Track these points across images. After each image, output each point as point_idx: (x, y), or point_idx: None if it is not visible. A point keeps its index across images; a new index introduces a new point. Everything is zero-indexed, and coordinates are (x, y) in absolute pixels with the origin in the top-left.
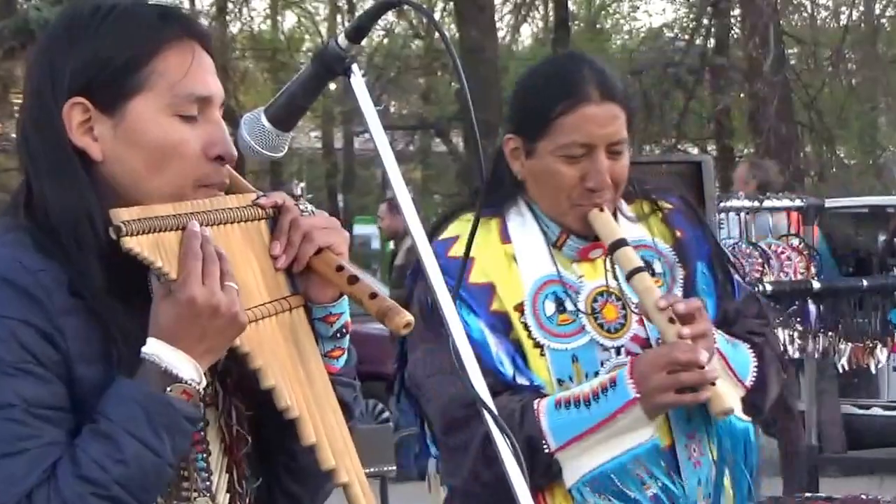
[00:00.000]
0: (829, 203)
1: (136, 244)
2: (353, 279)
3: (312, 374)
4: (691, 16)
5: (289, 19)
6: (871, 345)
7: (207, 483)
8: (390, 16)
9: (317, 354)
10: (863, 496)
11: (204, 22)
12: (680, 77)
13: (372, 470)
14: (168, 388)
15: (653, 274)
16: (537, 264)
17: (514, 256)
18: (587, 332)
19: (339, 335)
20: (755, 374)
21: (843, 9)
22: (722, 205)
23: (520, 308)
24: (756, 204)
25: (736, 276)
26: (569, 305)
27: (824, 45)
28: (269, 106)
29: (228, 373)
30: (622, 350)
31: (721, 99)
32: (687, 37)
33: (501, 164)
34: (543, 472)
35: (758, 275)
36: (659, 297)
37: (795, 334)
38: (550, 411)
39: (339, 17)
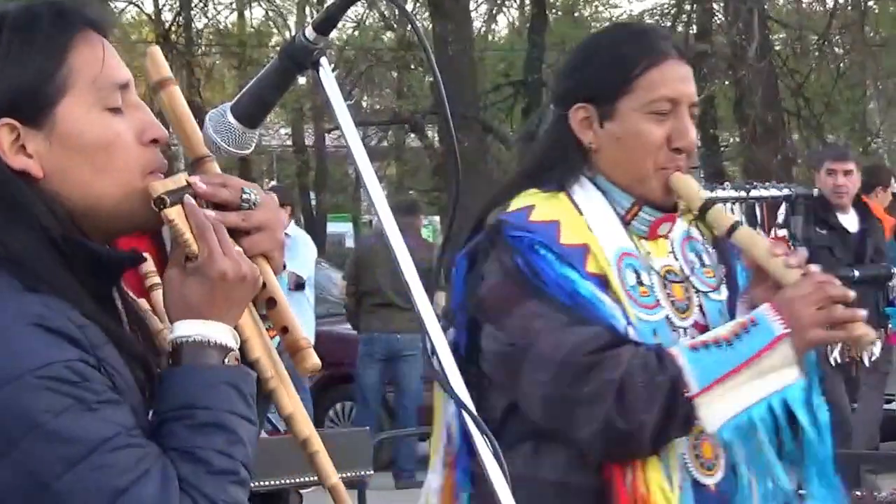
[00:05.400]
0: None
1: (174, 215)
2: (272, 303)
3: (271, 348)
4: (672, 2)
5: (256, 13)
6: None
7: None
8: (360, 7)
9: (264, 329)
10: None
11: (95, 8)
12: None
13: (349, 474)
14: (225, 360)
15: (703, 265)
16: (614, 235)
17: (590, 227)
18: (663, 307)
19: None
20: None
21: None
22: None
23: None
24: (743, 194)
25: None
26: (645, 279)
27: (810, 30)
28: (235, 102)
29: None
30: (688, 332)
31: (705, 87)
32: (668, 23)
33: (564, 139)
34: (683, 420)
35: None
36: (770, 245)
37: None
38: (688, 354)
39: (307, 11)
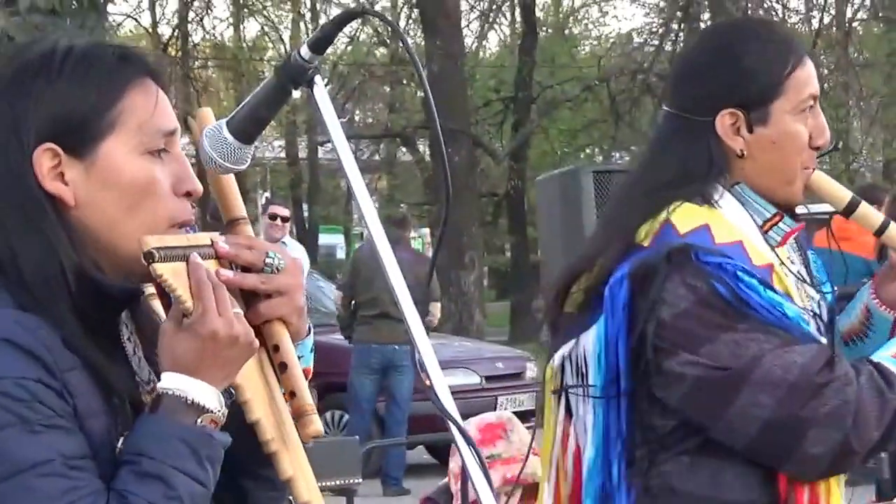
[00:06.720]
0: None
1: (164, 271)
2: (283, 367)
3: (282, 411)
4: (660, 21)
5: (252, 28)
6: None
7: None
8: (354, 23)
9: (280, 391)
10: None
11: (157, 60)
12: (649, 83)
13: (338, 483)
14: (198, 420)
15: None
16: (764, 251)
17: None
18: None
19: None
20: None
21: (815, 13)
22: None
23: None
24: None
25: None
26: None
27: None
28: (231, 118)
29: None
30: None
31: None
32: (656, 42)
33: (708, 147)
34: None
35: None
36: None
37: None
38: None
39: (301, 26)
